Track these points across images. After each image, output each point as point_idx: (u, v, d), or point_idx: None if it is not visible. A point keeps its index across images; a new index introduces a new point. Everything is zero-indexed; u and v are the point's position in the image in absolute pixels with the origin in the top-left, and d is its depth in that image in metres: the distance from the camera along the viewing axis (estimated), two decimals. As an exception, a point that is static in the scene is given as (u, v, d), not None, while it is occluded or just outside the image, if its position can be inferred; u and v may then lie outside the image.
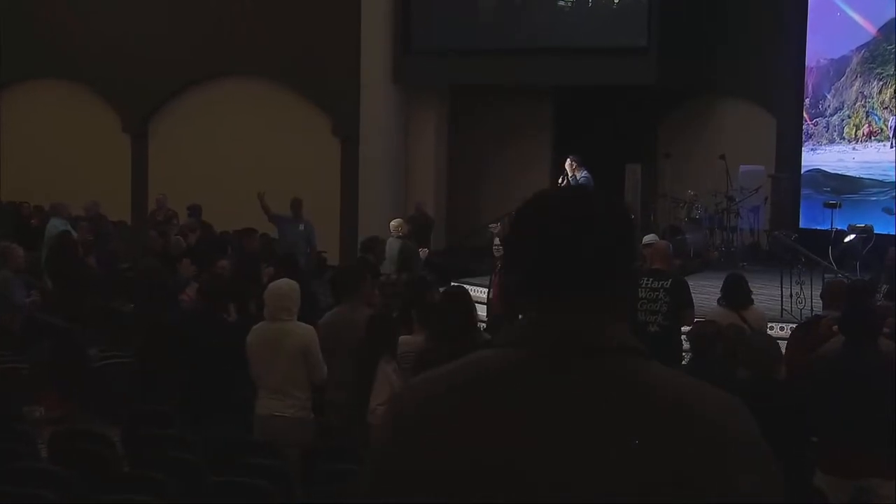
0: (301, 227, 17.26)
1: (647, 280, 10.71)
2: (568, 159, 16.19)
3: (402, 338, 8.41)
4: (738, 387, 7.09)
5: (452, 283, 14.35)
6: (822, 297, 10.65)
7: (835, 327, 8.04)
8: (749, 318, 10.01)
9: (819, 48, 20.40)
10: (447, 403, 1.96)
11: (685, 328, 10.54)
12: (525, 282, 2.03)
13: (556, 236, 2.00)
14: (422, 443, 1.94)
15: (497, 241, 13.71)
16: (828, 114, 20.28)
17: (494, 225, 13.93)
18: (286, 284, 8.43)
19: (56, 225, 16.96)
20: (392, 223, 15.83)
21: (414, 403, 2.01)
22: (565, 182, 16.11)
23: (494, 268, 13.61)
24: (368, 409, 7.71)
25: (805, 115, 20.59)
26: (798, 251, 14.82)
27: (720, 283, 10.84)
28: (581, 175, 16.04)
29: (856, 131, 19.82)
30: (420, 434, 1.95)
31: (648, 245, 12.08)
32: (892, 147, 19.18)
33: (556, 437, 1.88)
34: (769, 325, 12.79)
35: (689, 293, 10.93)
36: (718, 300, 10.62)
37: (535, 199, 2.12)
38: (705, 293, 12.84)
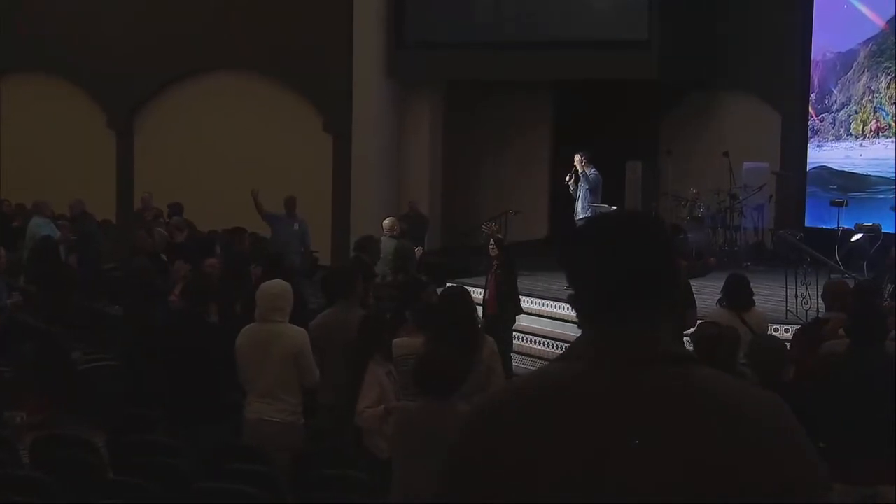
0: (295, 226, 17.27)
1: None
2: (577, 155, 16.19)
3: (398, 340, 8.41)
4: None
5: (449, 284, 14.37)
6: (823, 297, 10.65)
7: (840, 331, 8.04)
8: (750, 320, 10.01)
9: (825, 41, 20.41)
10: (523, 410, 2.22)
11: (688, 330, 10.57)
12: (584, 298, 2.31)
13: (610, 256, 2.28)
14: (501, 446, 2.21)
15: (492, 241, 13.71)
16: (834, 109, 20.29)
17: (487, 224, 13.92)
18: (278, 285, 8.43)
19: (38, 224, 16.94)
20: (385, 222, 15.85)
21: (493, 411, 2.30)
22: (573, 179, 16.09)
23: (490, 268, 13.62)
24: (356, 412, 7.71)
25: (811, 110, 20.60)
26: (803, 251, 14.81)
27: (722, 284, 10.84)
28: (590, 172, 16.05)
29: (863, 127, 19.83)
30: (499, 438, 2.23)
31: None
32: (900, 143, 19.20)
33: (620, 441, 2.12)
34: (773, 326, 12.83)
35: (691, 294, 10.94)
36: (719, 301, 10.62)
37: (588, 222, 2.41)
38: (707, 293, 12.84)
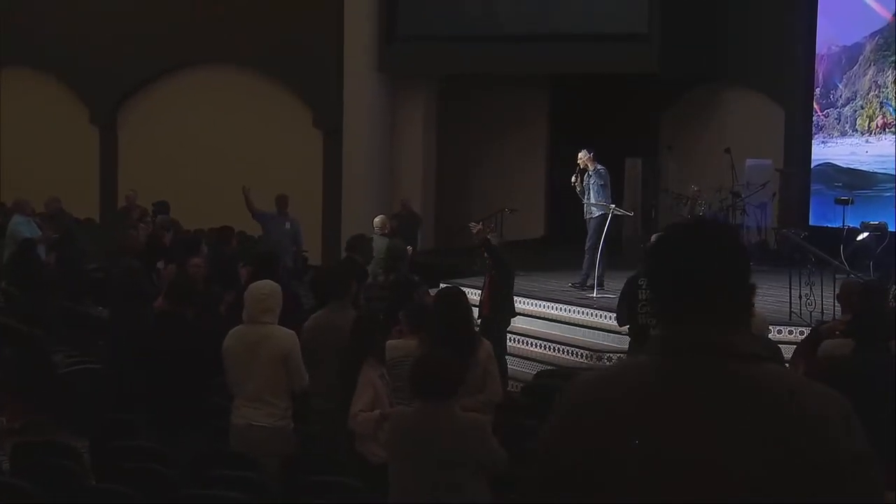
0: (287, 225, 17.26)
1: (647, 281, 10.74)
2: (584, 152, 16.18)
3: (391, 342, 8.41)
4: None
5: (443, 284, 14.36)
6: (838, 298, 10.66)
7: (837, 332, 8.04)
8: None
9: (830, 34, 20.42)
10: (609, 398, 2.55)
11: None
12: (660, 300, 2.66)
13: (680, 262, 2.61)
14: (589, 430, 2.53)
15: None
16: (839, 104, 20.30)
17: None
18: (267, 286, 8.41)
19: (18, 223, 16.91)
20: (376, 220, 15.84)
21: (582, 397, 2.62)
22: (578, 179, 16.06)
23: (489, 269, 13.61)
24: (349, 415, 7.71)
25: (815, 105, 20.61)
26: (808, 250, 14.81)
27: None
28: (600, 167, 16.05)
29: (869, 123, 19.84)
30: (588, 422, 2.54)
31: None
32: (907, 140, 19.23)
33: (694, 427, 2.43)
34: (775, 328, 12.84)
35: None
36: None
37: (669, 231, 2.75)
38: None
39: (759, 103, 21.42)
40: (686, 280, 2.58)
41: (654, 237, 12.41)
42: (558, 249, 20.69)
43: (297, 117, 24.13)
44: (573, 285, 16.72)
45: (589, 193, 16.13)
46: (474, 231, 13.58)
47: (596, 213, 16.03)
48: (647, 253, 2.74)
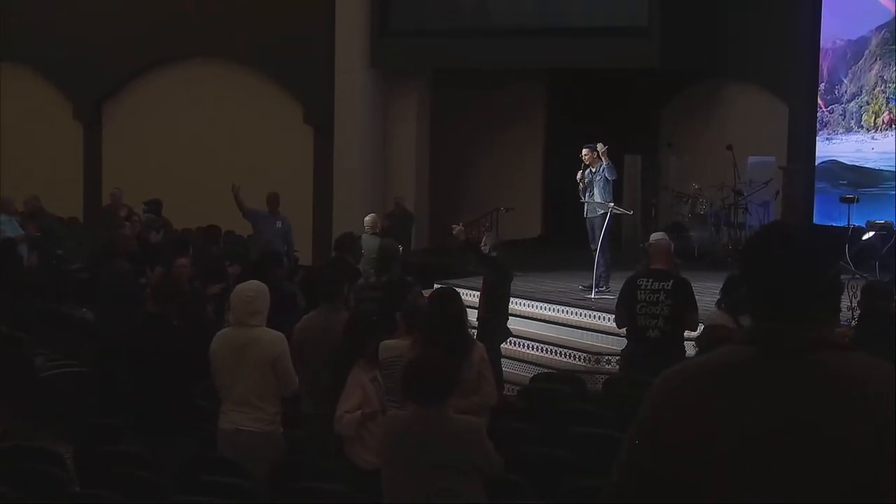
0: (278, 224, 17.24)
1: (646, 281, 10.74)
2: (593, 148, 16.13)
3: (385, 342, 8.42)
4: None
5: (437, 285, 14.36)
6: (860, 304, 10.71)
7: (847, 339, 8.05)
8: (746, 324, 10.02)
9: (835, 28, 20.44)
10: (706, 383, 2.86)
11: (691, 334, 10.58)
12: (757, 298, 2.95)
13: (780, 265, 2.91)
14: (686, 412, 2.82)
15: (483, 242, 13.70)
16: (844, 100, 20.32)
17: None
18: (253, 287, 8.41)
19: (2, 221, 16.90)
20: (367, 218, 15.82)
21: (681, 382, 2.90)
22: (583, 176, 16.04)
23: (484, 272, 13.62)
24: (335, 417, 7.71)
25: (819, 101, 20.63)
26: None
27: (722, 284, 10.86)
28: (607, 162, 16.02)
29: (875, 119, 19.86)
30: (686, 405, 2.83)
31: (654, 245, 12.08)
32: (914, 136, 19.24)
33: (778, 410, 2.74)
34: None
35: (693, 295, 10.95)
36: (717, 302, 10.65)
37: (763, 233, 3.02)
38: (711, 295, 12.84)
39: (762, 99, 21.45)
40: (783, 292, 2.89)
41: (652, 236, 12.41)
42: (556, 249, 20.73)
43: (288, 113, 24.13)
44: (585, 288, 16.59)
45: (592, 191, 16.10)
46: (454, 232, 13.63)
47: (599, 211, 16.00)
48: (742, 257, 3.00)
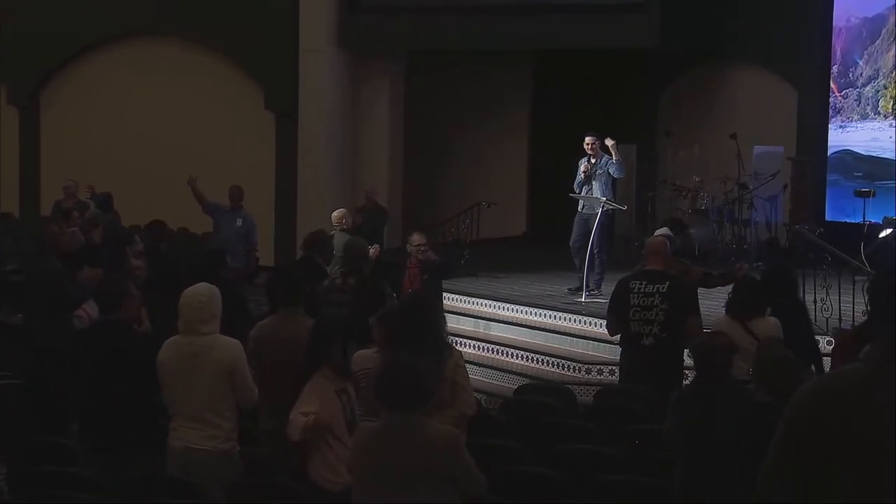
0: (239, 221, 17.19)
1: (640, 283, 10.73)
2: (597, 136, 16.13)
3: (358, 353, 8.39)
4: (757, 412, 7.10)
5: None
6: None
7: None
8: (758, 331, 10.03)
9: (849, 5, 20.51)
10: (844, 393, 3.72)
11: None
12: (876, 314, 3.81)
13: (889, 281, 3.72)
14: (830, 416, 3.68)
15: (421, 242, 13.82)
16: (859, 84, 20.38)
17: (419, 237, 14.00)
18: (205, 290, 8.35)
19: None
20: (333, 214, 15.80)
21: (819, 392, 3.80)
22: (588, 167, 16.03)
23: (409, 270, 13.69)
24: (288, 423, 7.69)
25: (832, 85, 20.69)
26: (823, 249, 14.88)
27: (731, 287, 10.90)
28: (616, 159, 16.01)
29: (893, 104, 19.93)
30: (828, 410, 3.69)
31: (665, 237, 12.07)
32: (935, 124, 19.31)
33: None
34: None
35: (693, 298, 10.96)
36: (726, 306, 10.67)
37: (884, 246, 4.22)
38: (714, 298, 12.88)
39: (769, 83, 21.50)
40: None
41: (657, 232, 12.40)
42: (542, 248, 20.73)
43: (247, 98, 24.08)
44: (573, 291, 16.60)
45: (591, 185, 16.08)
46: (413, 245, 13.72)
47: (597, 208, 15.99)
48: (872, 261, 3.40)
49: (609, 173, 16.02)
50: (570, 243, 16.28)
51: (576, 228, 16.26)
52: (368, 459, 6.58)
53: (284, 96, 23.55)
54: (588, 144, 16.08)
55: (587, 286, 16.11)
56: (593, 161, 16.06)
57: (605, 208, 15.99)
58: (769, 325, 10.39)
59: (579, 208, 16.32)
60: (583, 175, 16.04)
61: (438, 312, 8.63)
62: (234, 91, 24.21)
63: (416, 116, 24.13)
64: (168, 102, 24.39)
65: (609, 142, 16.00)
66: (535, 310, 16.14)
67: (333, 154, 23.23)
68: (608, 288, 15.91)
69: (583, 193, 16.15)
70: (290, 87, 23.36)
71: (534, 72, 24.60)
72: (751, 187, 19.77)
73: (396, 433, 6.44)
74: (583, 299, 15.96)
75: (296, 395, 7.98)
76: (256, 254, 19.16)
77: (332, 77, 23.20)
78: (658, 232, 12.82)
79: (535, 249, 21.44)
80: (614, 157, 15.98)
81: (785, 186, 20.18)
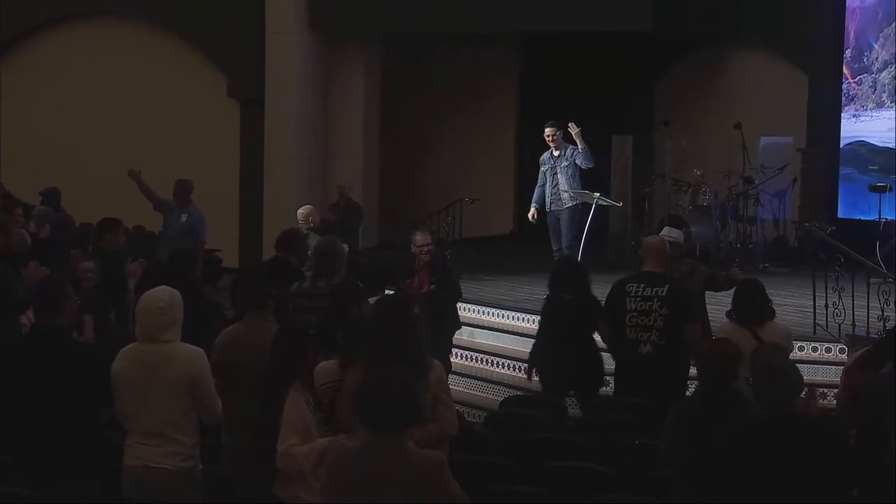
0: (183, 217, 17.11)
1: (637, 286, 10.74)
2: (559, 127, 16.16)
3: (321, 364, 8.39)
4: (754, 426, 7.11)
5: (388, 291, 14.35)
6: None
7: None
8: (766, 337, 10.06)
9: (863, -16, 20.56)
10: None
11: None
12: None
13: None
14: None
15: (424, 243, 13.75)
16: (875, 69, 20.42)
17: (422, 237, 13.95)
18: (165, 294, 8.33)
19: None
20: (300, 211, 15.76)
21: None
22: (553, 159, 16.08)
23: (418, 274, 13.65)
24: (277, 452, 7.68)
25: (845, 70, 20.73)
26: (836, 248, 14.89)
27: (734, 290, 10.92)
28: (582, 148, 16.06)
29: (911, 92, 19.99)
30: None
31: (672, 243, 12.06)
32: (956, 113, 19.36)
33: None
34: (797, 344, 12.89)
35: (695, 302, 10.98)
36: (728, 312, 10.69)
37: None
38: (718, 303, 12.90)
39: (777, 68, 21.54)
40: None
41: (664, 232, 12.41)
42: (531, 248, 20.73)
43: (209, 84, 24.04)
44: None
45: (557, 179, 16.15)
46: (417, 244, 13.71)
47: (567, 203, 16.04)
48: None
49: (576, 164, 16.05)
50: (553, 246, 16.39)
51: (551, 232, 16.34)
52: (344, 483, 6.55)
53: (249, 82, 23.52)
54: (548, 136, 16.14)
55: None
56: (556, 154, 16.12)
57: (576, 204, 16.03)
58: (779, 331, 10.43)
59: (547, 207, 16.37)
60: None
61: (417, 318, 8.59)
62: (195, 76, 24.18)
63: (393, 105, 24.12)
64: (123, 89, 24.31)
65: (573, 129, 16.02)
66: (524, 315, 16.11)
67: (303, 146, 23.19)
68: (598, 292, 16.01)
69: (548, 192, 16.22)
70: (255, 72, 23.33)
71: (520, 57, 24.61)
72: (757, 182, 19.80)
73: (377, 456, 6.40)
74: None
75: (263, 410, 7.97)
76: (217, 253, 19.14)
77: (302, 61, 23.16)
78: (664, 233, 12.79)
79: (523, 249, 21.41)
80: (580, 146, 16.00)
81: (794, 181, 20.22)
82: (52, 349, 8.42)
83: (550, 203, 16.27)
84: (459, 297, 14.16)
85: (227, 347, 9.09)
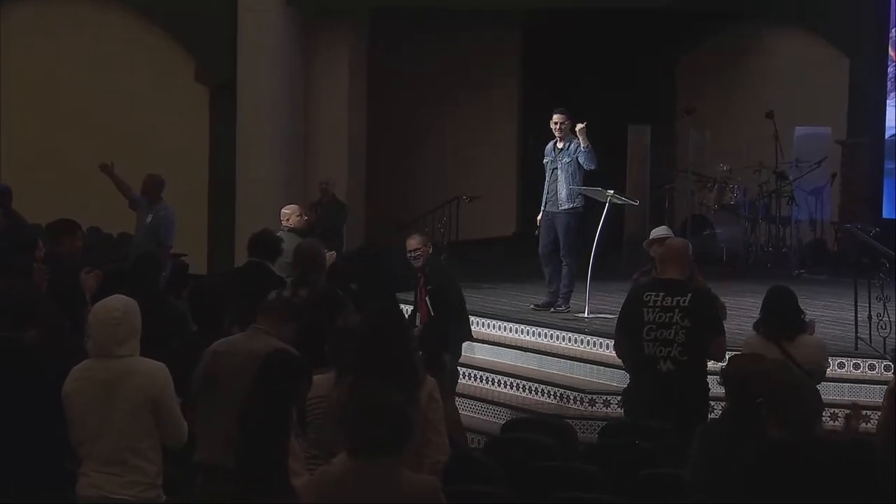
0: (149, 217, 17.12)
1: (656, 295, 10.70)
2: (569, 115, 16.15)
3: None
4: (771, 451, 7.11)
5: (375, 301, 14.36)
6: None
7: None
8: (796, 353, 10.05)
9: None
10: None
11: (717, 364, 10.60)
12: None
13: None
14: None
15: (413, 248, 13.77)
16: (923, 51, 20.46)
17: (420, 241, 13.98)
18: (120, 304, 8.30)
19: None
20: (284, 210, 15.78)
21: None
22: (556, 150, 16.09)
23: (417, 282, 13.66)
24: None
25: (891, 52, 20.74)
26: (880, 252, 14.90)
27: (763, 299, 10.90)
28: (585, 146, 16.05)
29: (964, 77, 20.02)
30: None
31: (658, 241, 12.11)
32: None
33: None
34: (834, 362, 12.88)
35: (720, 317, 10.97)
36: (755, 323, 10.68)
37: None
38: (743, 313, 12.90)
39: (814, 49, 21.55)
40: None
41: (654, 231, 12.39)
42: (535, 252, 20.72)
43: (174, 67, 24.01)
44: (537, 307, 16.72)
45: (556, 175, 16.13)
46: (414, 249, 13.74)
47: (566, 204, 16.03)
48: None
49: (579, 163, 16.03)
50: (539, 250, 16.37)
51: (543, 232, 16.32)
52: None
53: (219, 66, 23.51)
54: (556, 124, 16.11)
55: (555, 301, 16.22)
56: (560, 146, 16.12)
57: (577, 204, 16.02)
58: (811, 346, 10.41)
59: (543, 205, 16.36)
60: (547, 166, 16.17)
61: (409, 329, 8.60)
62: (158, 60, 24.11)
63: (381, 91, 24.12)
64: (79, 72, 24.25)
65: (578, 126, 15.97)
66: (527, 328, 16.14)
67: (280, 137, 23.16)
68: (598, 303, 16.04)
69: (545, 189, 16.21)
70: (226, 54, 23.31)
71: (523, 37, 24.59)
72: (791, 177, 19.82)
73: (365, 481, 6.42)
74: (585, 315, 15.98)
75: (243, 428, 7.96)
76: (184, 258, 19.11)
77: (279, 42, 23.14)
78: (655, 232, 12.82)
79: (526, 254, 21.33)
80: (583, 145, 15.96)
81: (833, 176, 20.24)
82: (10, 363, 8.44)
83: (546, 202, 16.24)
84: (461, 309, 14.18)
85: (220, 356, 9.03)
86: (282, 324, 9.18)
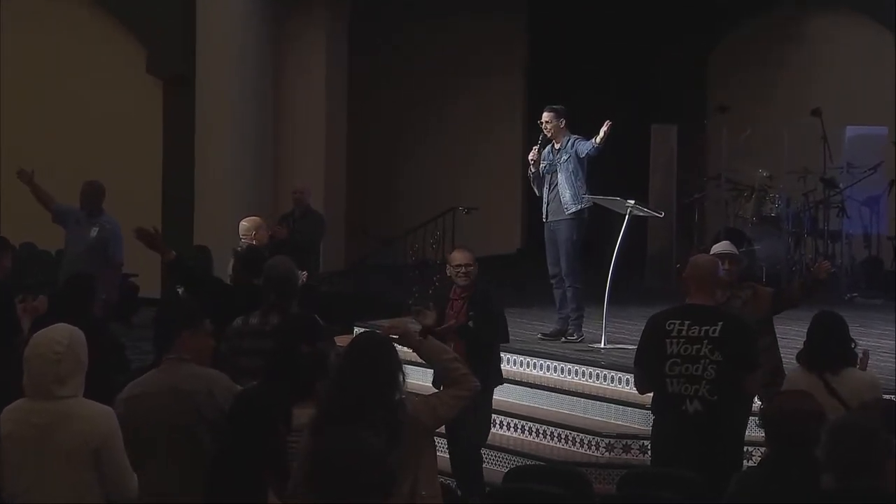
0: (93, 231, 17.10)
1: (680, 324, 10.66)
2: (560, 112, 16.20)
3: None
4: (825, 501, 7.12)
5: (358, 329, 14.37)
6: None
7: None
8: (842, 388, 10.06)
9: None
10: None
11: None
12: None
13: None
14: None
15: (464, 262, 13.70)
16: None
17: (461, 255, 13.98)
18: (63, 334, 8.32)
19: None
20: (243, 223, 15.76)
21: None
22: (539, 154, 16.12)
23: (448, 304, 13.61)
24: None
25: (956, 39, 20.80)
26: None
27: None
28: (575, 138, 16.08)
29: None
30: None
31: (727, 256, 12.10)
32: None
33: None
34: (889, 398, 12.89)
35: (757, 345, 10.97)
36: (798, 354, 10.67)
37: None
38: (788, 343, 12.91)
39: (866, 35, 21.63)
40: None
41: (715, 247, 12.41)
42: (542, 270, 20.74)
43: (125, 59, 24.10)
44: (546, 336, 16.73)
45: (556, 180, 16.14)
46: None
47: (572, 207, 16.04)
48: None
49: (578, 158, 15.99)
50: (549, 269, 16.41)
51: (548, 248, 16.34)
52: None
53: (174, 56, 23.57)
54: (543, 123, 16.12)
55: (566, 329, 16.25)
56: (557, 146, 16.12)
57: (584, 205, 16.01)
58: (860, 381, 10.39)
59: (544, 217, 16.37)
60: (532, 167, 16.12)
61: (395, 362, 8.57)
62: (106, 48, 24.21)
63: (365, 87, 24.16)
64: (22, 63, 24.34)
65: (604, 127, 15.86)
66: (534, 360, 16.17)
67: (245, 137, 23.18)
68: (616, 332, 16.04)
69: (546, 192, 16.21)
70: (183, 44, 23.37)
71: (528, 25, 24.66)
72: (841, 185, 19.85)
73: None
74: (601, 345, 15.99)
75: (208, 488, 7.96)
76: (133, 279, 19.11)
77: (244, 29, 23.18)
78: (716, 249, 12.76)
79: (532, 273, 21.38)
80: (596, 140, 15.86)
81: (890, 184, 20.28)
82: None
83: (547, 212, 16.26)
84: (505, 340, 14.12)
85: (134, 402, 8.97)
86: (194, 342, 9.14)
